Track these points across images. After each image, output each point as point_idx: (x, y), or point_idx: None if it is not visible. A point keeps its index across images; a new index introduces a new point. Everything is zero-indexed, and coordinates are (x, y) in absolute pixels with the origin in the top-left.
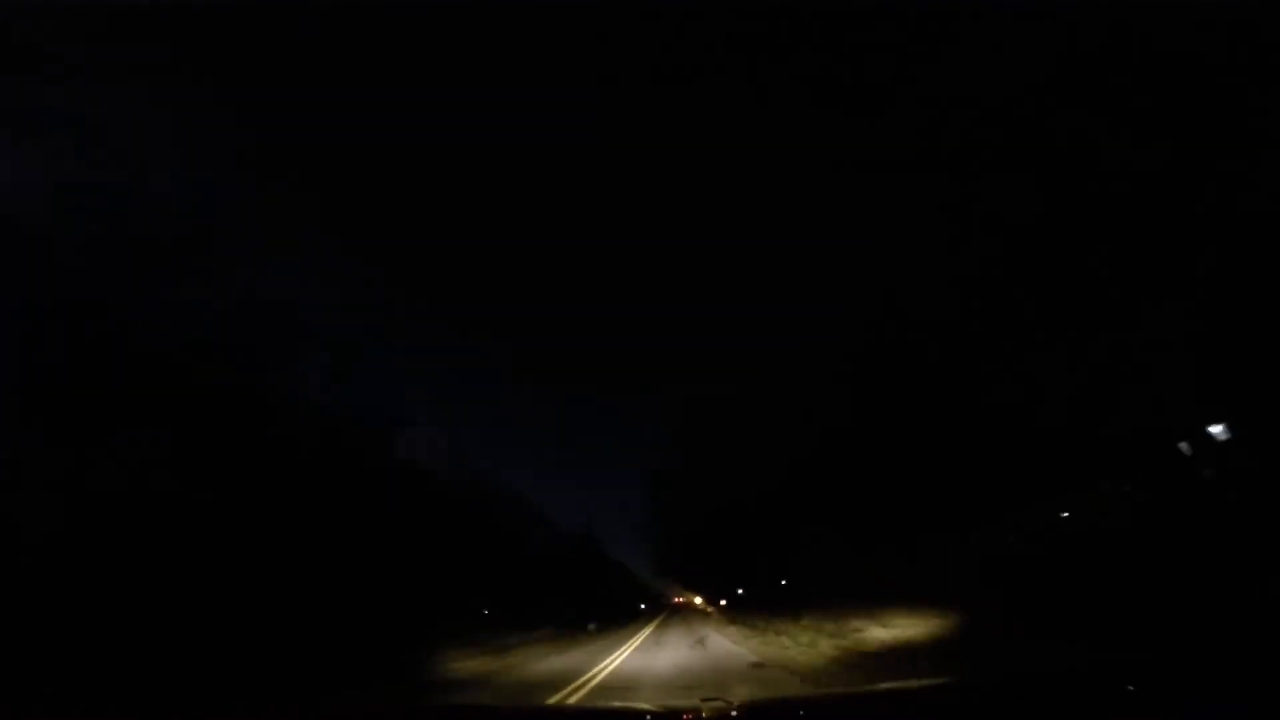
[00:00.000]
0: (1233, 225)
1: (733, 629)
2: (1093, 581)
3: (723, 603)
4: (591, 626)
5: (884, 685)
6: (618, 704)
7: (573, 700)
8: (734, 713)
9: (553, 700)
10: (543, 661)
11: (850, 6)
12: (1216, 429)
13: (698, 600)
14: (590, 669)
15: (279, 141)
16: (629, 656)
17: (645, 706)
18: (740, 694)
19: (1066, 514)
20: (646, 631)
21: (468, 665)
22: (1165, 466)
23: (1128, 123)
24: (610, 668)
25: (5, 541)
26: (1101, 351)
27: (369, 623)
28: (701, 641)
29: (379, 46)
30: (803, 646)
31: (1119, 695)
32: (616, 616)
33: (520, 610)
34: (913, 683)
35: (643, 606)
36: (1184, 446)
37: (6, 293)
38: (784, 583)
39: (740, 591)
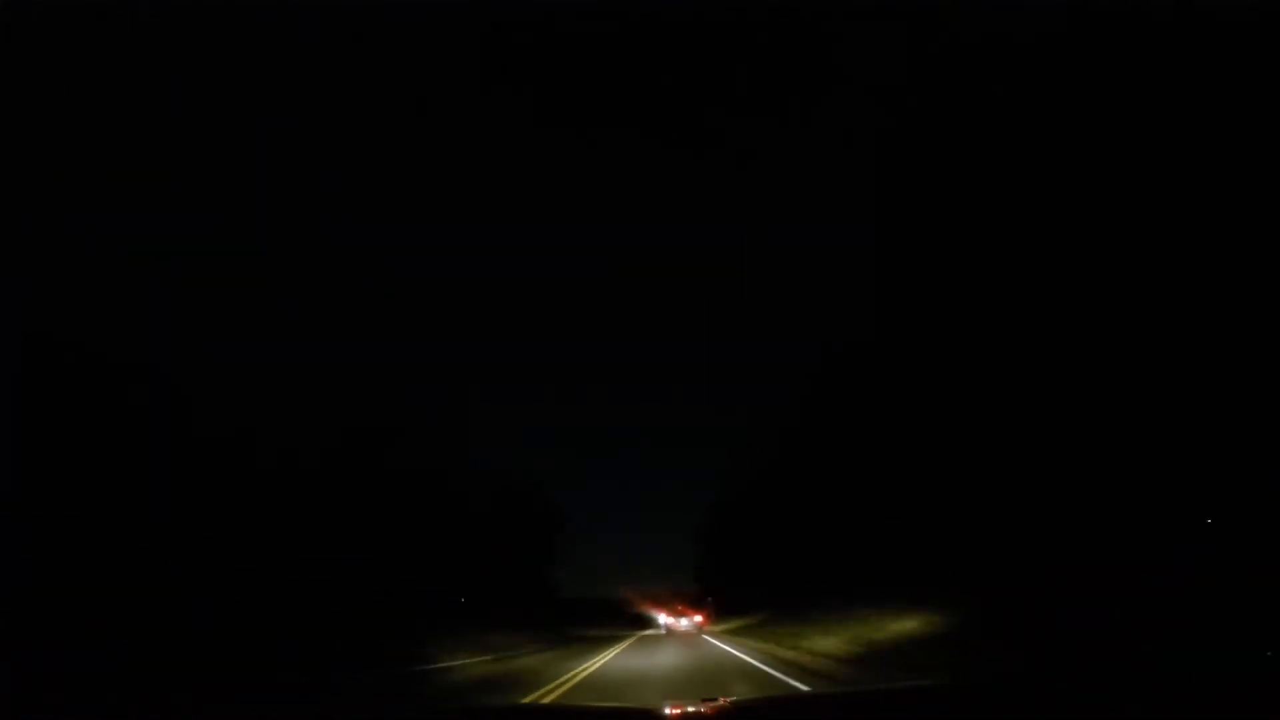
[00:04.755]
0: None
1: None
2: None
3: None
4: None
5: (883, 685)
6: (617, 704)
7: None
8: (733, 712)
9: None
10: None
11: None
12: None
13: (684, 622)
14: None
15: None
16: None
17: (644, 706)
18: (739, 693)
19: None
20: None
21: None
22: None
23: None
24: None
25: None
26: None
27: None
28: None
29: None
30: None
31: (1117, 696)
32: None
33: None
34: (911, 683)
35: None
36: None
37: None
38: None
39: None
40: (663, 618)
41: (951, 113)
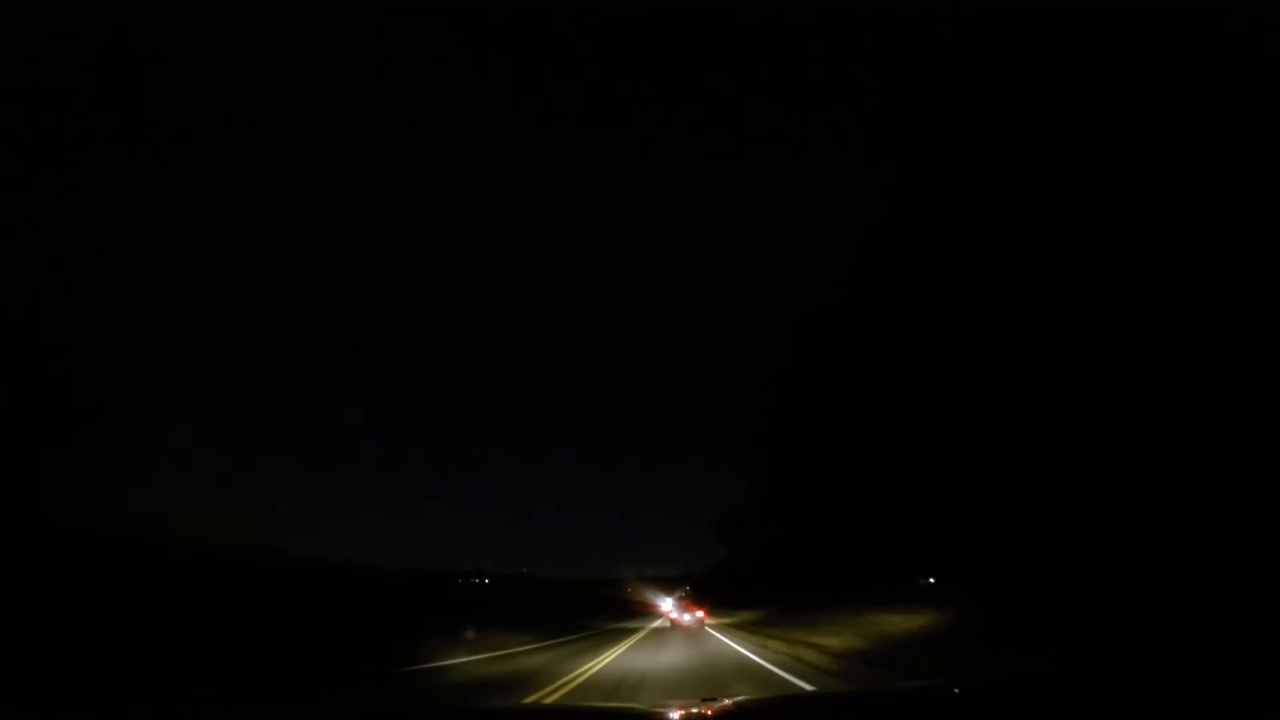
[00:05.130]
0: None
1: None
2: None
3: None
4: None
5: (884, 686)
6: (617, 704)
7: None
8: (735, 712)
9: None
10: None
11: None
12: None
13: (687, 616)
14: None
15: None
16: None
17: (644, 707)
18: (740, 693)
19: None
20: None
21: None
22: None
23: None
24: None
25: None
26: None
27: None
28: None
29: None
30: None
31: (1106, 695)
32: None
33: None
34: (913, 683)
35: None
36: None
37: None
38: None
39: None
40: (666, 603)
41: (950, 101)
